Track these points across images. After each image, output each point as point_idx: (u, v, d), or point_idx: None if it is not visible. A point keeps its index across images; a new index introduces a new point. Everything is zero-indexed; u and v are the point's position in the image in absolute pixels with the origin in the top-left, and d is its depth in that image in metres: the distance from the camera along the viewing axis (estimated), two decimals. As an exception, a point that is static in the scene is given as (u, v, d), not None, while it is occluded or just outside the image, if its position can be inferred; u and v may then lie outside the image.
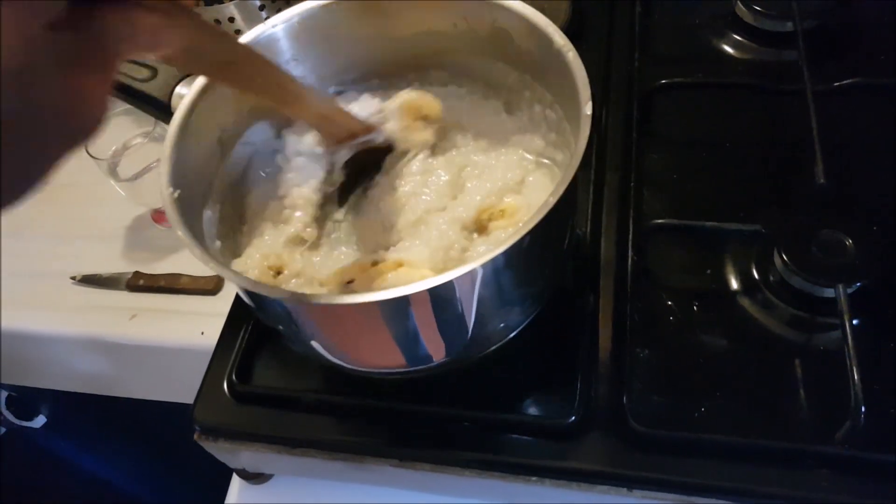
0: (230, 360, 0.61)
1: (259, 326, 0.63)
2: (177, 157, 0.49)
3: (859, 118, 0.68)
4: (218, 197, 0.56)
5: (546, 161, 0.59)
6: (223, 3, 0.86)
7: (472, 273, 0.41)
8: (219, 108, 0.55)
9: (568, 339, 0.58)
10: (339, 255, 0.57)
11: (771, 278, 0.58)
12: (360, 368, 0.54)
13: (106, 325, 0.80)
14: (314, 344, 0.51)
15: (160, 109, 0.54)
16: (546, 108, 0.58)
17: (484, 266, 0.41)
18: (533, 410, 0.56)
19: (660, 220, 0.61)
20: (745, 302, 0.58)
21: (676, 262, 0.62)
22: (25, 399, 1.10)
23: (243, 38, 0.56)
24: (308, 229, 0.56)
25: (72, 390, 0.93)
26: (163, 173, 0.48)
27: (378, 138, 0.56)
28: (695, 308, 0.58)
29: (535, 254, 0.47)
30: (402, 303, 0.42)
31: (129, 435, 1.14)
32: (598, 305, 0.59)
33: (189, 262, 0.83)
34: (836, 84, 0.67)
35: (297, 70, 0.60)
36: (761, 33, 0.75)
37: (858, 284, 0.54)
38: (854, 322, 0.51)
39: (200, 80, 0.53)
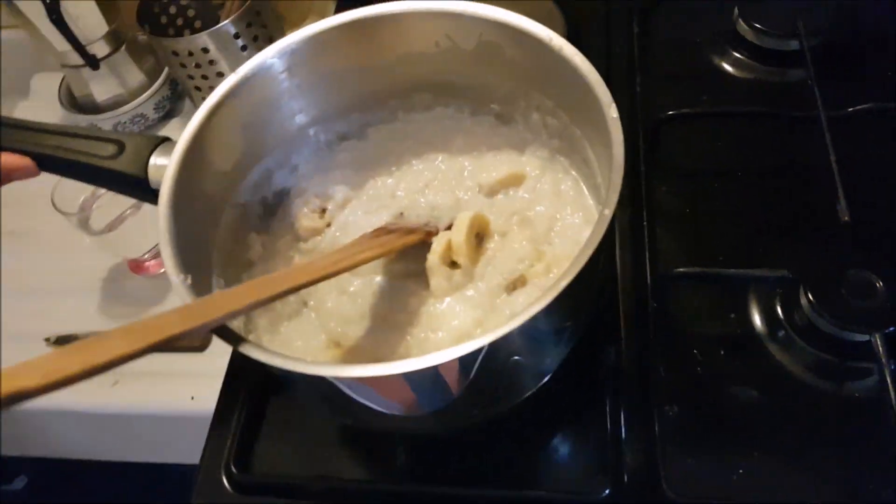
0: (227, 445, 0.57)
1: (256, 401, 0.59)
2: (176, 238, 0.45)
3: (878, 147, 0.64)
4: (220, 266, 0.52)
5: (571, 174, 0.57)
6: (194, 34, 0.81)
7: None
8: (204, 174, 0.51)
9: (591, 399, 0.55)
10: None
11: (799, 322, 0.54)
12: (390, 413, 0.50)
13: (86, 394, 0.74)
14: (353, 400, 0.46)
15: (136, 186, 0.49)
16: (546, 116, 0.56)
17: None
18: (559, 485, 0.53)
19: (681, 269, 0.57)
20: (772, 348, 0.55)
21: (698, 308, 0.58)
22: (5, 460, 1.04)
23: (237, 73, 0.52)
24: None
25: (54, 457, 0.87)
26: (167, 260, 0.43)
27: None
28: (721, 356, 0.56)
29: (571, 305, 0.45)
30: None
31: (116, 496, 1.09)
32: (620, 359, 0.56)
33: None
34: (850, 109, 0.64)
35: (295, 103, 0.57)
36: (764, 52, 0.71)
37: (893, 329, 0.51)
38: (892, 368, 0.49)
39: (181, 147, 0.49)
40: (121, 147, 0.49)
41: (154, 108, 0.94)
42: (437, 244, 0.53)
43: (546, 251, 0.53)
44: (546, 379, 0.52)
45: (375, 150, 0.62)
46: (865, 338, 0.52)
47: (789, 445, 0.51)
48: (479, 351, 0.38)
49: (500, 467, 0.54)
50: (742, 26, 0.72)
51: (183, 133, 0.49)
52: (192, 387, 0.72)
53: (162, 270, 0.78)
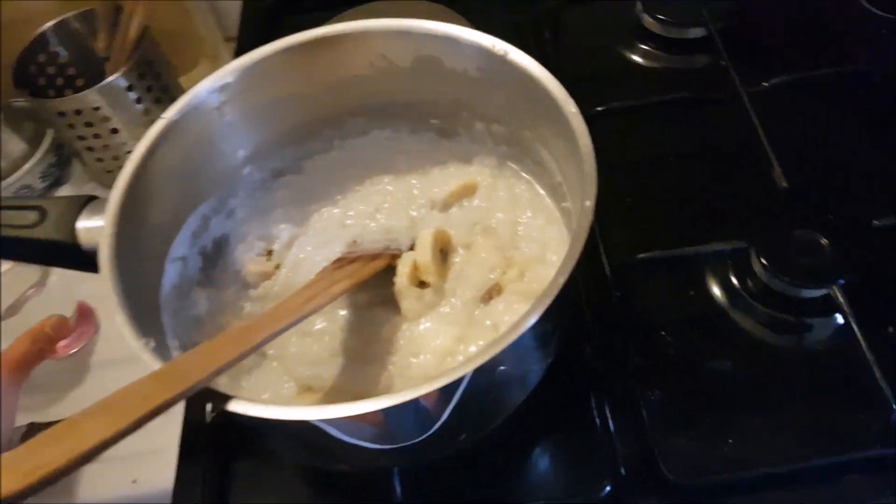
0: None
1: (220, 468, 0.54)
2: (127, 301, 0.40)
3: (799, 114, 0.68)
4: (170, 327, 0.47)
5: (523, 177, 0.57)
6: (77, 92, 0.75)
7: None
8: (140, 230, 0.46)
9: (575, 399, 0.54)
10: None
11: (755, 289, 0.56)
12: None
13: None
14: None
15: (65, 254, 0.43)
16: (492, 123, 0.56)
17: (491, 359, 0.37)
18: (560, 490, 0.52)
19: (642, 255, 0.58)
20: (735, 317, 0.56)
21: (659, 291, 0.60)
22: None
23: (166, 116, 0.49)
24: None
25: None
26: (124, 326, 0.39)
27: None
28: (689, 334, 0.57)
29: (562, 307, 0.45)
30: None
31: None
32: (595, 354, 0.56)
33: (94, 396, 0.70)
34: (765, 84, 0.68)
35: (229, 142, 0.54)
36: (670, 42, 0.75)
37: (841, 281, 0.54)
38: (855, 314, 0.52)
39: (114, 202, 0.44)
40: (42, 213, 0.44)
41: (40, 178, 0.86)
42: (403, 266, 0.51)
43: (515, 256, 0.52)
44: (532, 389, 0.50)
45: (315, 182, 0.59)
46: (820, 292, 0.55)
47: (771, 406, 0.53)
48: (491, 361, 0.37)
49: (496, 485, 0.52)
50: (647, 20, 0.75)
51: (114, 187, 0.45)
52: (131, 469, 0.65)
53: (74, 351, 0.71)
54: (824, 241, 0.55)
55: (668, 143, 0.68)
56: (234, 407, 0.36)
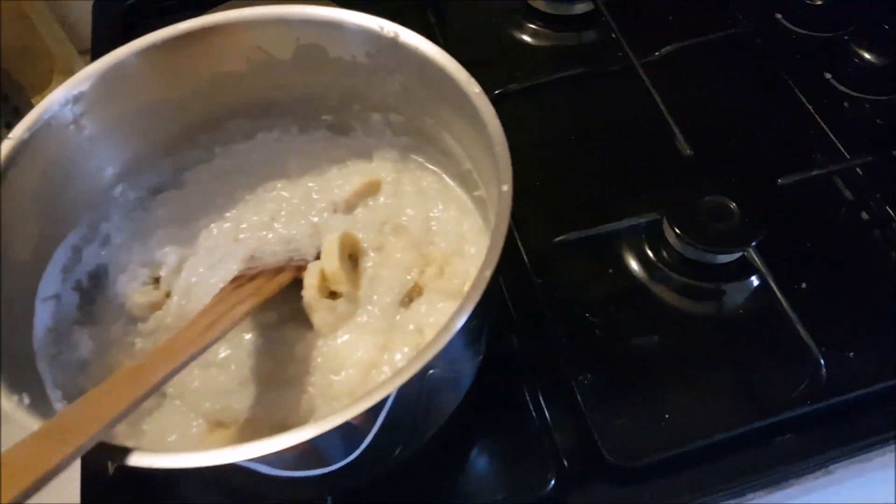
0: None
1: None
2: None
3: (693, 82, 0.68)
4: (50, 376, 0.41)
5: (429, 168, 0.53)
6: None
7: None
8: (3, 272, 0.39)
9: (508, 393, 0.52)
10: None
11: (670, 259, 0.56)
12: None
13: None
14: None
15: None
16: (389, 112, 0.52)
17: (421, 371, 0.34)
18: (505, 490, 0.49)
19: (560, 237, 0.56)
20: (655, 290, 0.56)
21: (578, 273, 0.58)
22: None
23: (12, 136, 0.42)
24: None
25: None
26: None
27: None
28: (613, 312, 0.56)
29: (491, 301, 0.42)
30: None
31: None
32: (522, 344, 0.54)
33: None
34: (657, 54, 0.68)
35: (93, 159, 0.48)
36: (558, 19, 0.74)
37: (754, 243, 0.54)
38: (771, 273, 0.52)
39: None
40: None
41: None
42: (310, 277, 0.47)
43: (431, 252, 0.49)
44: (465, 391, 0.48)
45: (199, 196, 0.54)
46: (734, 256, 0.55)
47: (701, 376, 0.53)
48: (421, 371, 0.33)
49: (438, 494, 0.49)
50: (531, -3, 0.74)
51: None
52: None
53: None
54: (733, 205, 0.55)
55: (570, 121, 0.67)
56: (138, 461, 0.31)
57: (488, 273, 0.35)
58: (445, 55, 0.43)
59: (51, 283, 0.45)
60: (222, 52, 0.48)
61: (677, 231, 0.55)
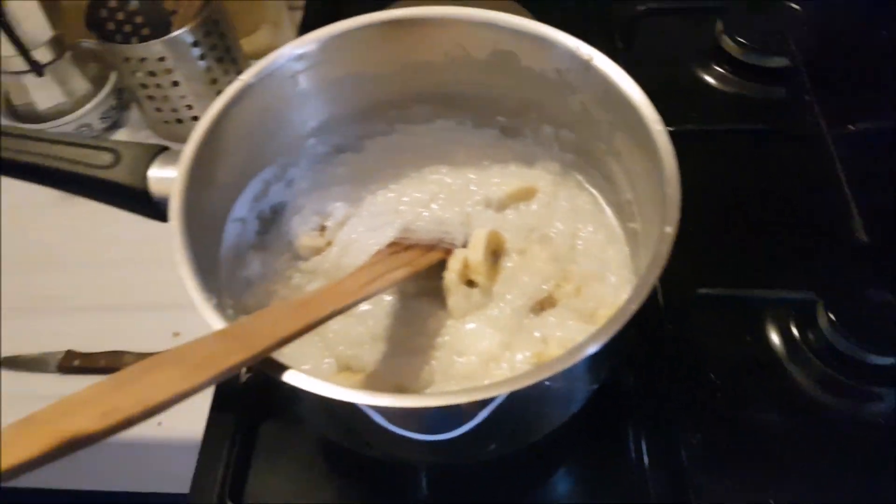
0: (219, 475, 0.53)
1: (248, 429, 0.55)
2: (192, 255, 0.40)
3: (887, 166, 0.63)
4: (225, 287, 0.47)
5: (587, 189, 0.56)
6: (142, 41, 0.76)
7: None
8: (208, 186, 0.46)
9: (612, 427, 0.53)
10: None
11: (817, 344, 0.54)
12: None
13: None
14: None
15: (133, 199, 0.44)
16: (561, 128, 0.55)
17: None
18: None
19: (704, 290, 0.56)
20: (791, 370, 0.54)
21: (713, 329, 0.57)
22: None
23: (245, 76, 0.48)
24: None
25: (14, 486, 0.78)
26: (188, 280, 0.39)
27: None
28: (739, 379, 0.55)
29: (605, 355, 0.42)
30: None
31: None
32: (639, 385, 0.54)
33: (132, 335, 0.71)
34: (852, 127, 0.65)
35: (299, 112, 0.54)
36: (748, 67, 0.72)
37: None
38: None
39: (188, 156, 0.44)
40: (117, 156, 0.44)
41: (100, 118, 0.87)
42: (454, 262, 0.51)
43: (573, 270, 0.51)
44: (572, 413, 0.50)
45: (373, 164, 0.59)
46: (889, 361, 0.52)
47: (817, 468, 0.51)
48: (537, 384, 0.36)
49: (523, 497, 0.52)
50: (726, 41, 0.73)
51: (188, 141, 0.45)
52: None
53: None
54: (901, 303, 0.52)
55: (739, 174, 0.66)
56: (296, 380, 0.36)
57: (633, 307, 0.37)
58: (636, 87, 0.45)
59: (242, 207, 0.52)
60: (427, 42, 0.53)
61: (833, 319, 0.52)
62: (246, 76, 0.48)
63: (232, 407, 0.56)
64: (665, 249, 0.38)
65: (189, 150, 0.44)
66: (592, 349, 0.35)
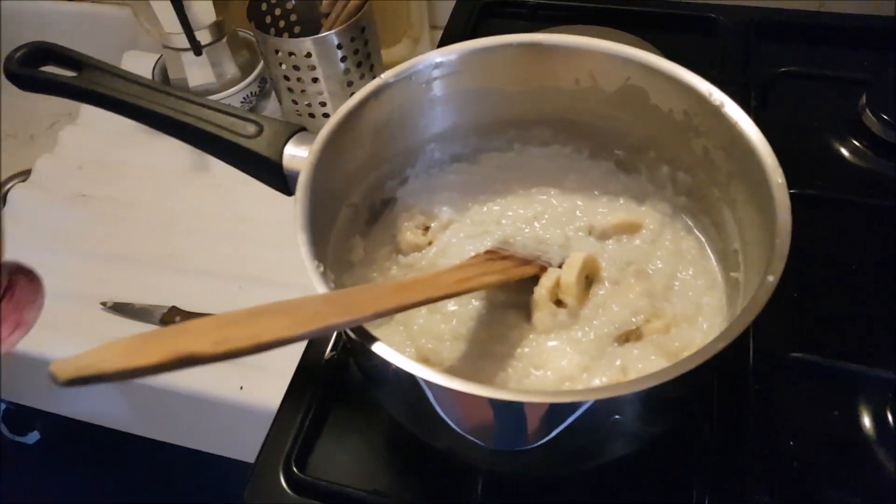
0: (289, 440, 0.55)
1: (322, 404, 0.57)
2: (310, 225, 0.44)
3: None
4: (330, 263, 0.50)
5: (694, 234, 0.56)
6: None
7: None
8: (333, 170, 0.49)
9: (678, 474, 0.52)
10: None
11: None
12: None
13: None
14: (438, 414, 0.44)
15: (270, 170, 0.48)
16: (679, 171, 0.55)
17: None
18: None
19: (796, 354, 0.54)
20: (880, 454, 0.51)
21: (800, 398, 0.55)
22: (22, 413, 1.02)
23: (386, 75, 0.52)
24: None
25: (86, 420, 0.85)
26: (303, 246, 0.42)
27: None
28: (820, 454, 0.52)
29: (689, 385, 0.42)
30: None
31: (128, 468, 1.07)
32: (713, 438, 0.53)
33: (234, 303, 0.76)
34: None
35: (426, 117, 0.57)
36: (886, 145, 0.69)
37: None
38: None
39: (322, 139, 0.48)
40: (260, 128, 0.48)
41: (241, 102, 0.94)
42: (546, 279, 0.52)
43: (665, 309, 0.51)
44: (635, 449, 0.49)
45: (485, 177, 0.61)
46: None
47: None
48: (604, 400, 0.37)
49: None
50: (868, 115, 0.71)
51: (325, 126, 0.48)
52: (243, 377, 0.69)
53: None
54: None
55: (856, 247, 0.63)
56: (378, 349, 0.38)
57: (720, 346, 0.36)
58: (762, 137, 0.45)
59: (357, 194, 0.55)
60: (560, 68, 0.54)
61: None
62: (386, 75, 0.52)
63: (311, 383, 0.59)
64: (763, 297, 0.38)
65: (324, 133, 0.48)
66: (672, 375, 0.36)
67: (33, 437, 1.05)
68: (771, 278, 0.38)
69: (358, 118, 0.50)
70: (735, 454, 0.52)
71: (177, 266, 0.81)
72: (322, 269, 0.41)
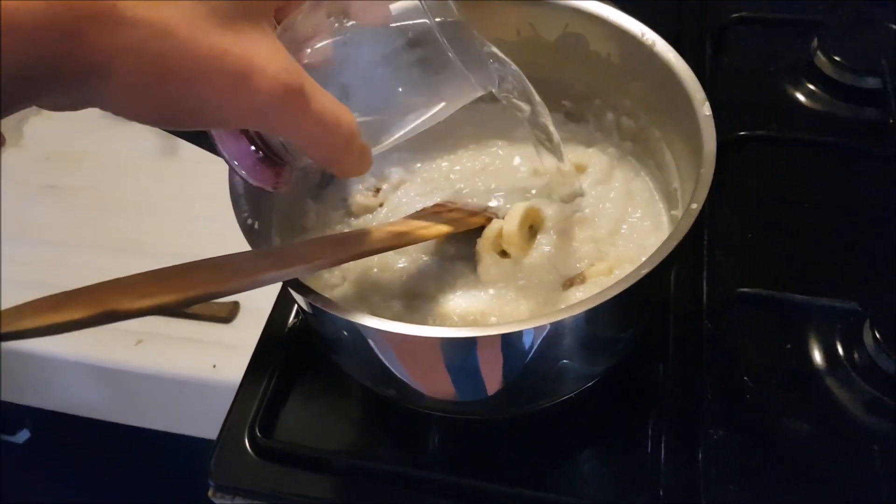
0: (253, 408, 0.55)
1: (285, 372, 0.58)
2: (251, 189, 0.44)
3: None
4: (277, 226, 0.51)
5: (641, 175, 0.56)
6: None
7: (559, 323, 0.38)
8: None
9: (633, 412, 0.53)
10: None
11: (859, 361, 0.51)
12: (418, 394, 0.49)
13: (108, 350, 0.73)
14: (383, 365, 0.45)
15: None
16: (622, 116, 0.56)
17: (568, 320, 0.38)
18: (591, 493, 0.51)
19: (744, 290, 0.55)
20: (829, 383, 0.52)
21: (753, 333, 0.56)
22: (10, 412, 1.03)
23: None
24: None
25: (67, 412, 0.86)
26: (234, 201, 0.42)
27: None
28: (774, 386, 0.53)
29: (625, 313, 0.44)
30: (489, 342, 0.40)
31: (119, 462, 1.08)
32: (667, 376, 0.54)
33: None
34: None
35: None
36: (841, 87, 0.69)
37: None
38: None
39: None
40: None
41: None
42: (489, 230, 0.52)
43: (609, 252, 0.51)
44: (589, 384, 0.50)
45: (434, 135, 0.59)
46: None
47: (845, 488, 0.49)
48: (539, 329, 0.37)
49: (531, 466, 0.52)
50: (820, 59, 0.70)
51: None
52: (216, 356, 0.70)
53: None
54: (952, 325, 0.50)
55: (807, 184, 0.64)
56: (322, 304, 0.39)
57: (645, 271, 0.37)
58: (690, 72, 0.46)
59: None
60: (499, 19, 0.54)
61: (877, 335, 0.50)
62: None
63: (274, 350, 0.60)
64: (687, 223, 0.38)
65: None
66: (611, 294, 0.37)
67: (23, 435, 1.06)
68: (694, 205, 0.39)
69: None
70: (690, 390, 0.53)
71: (151, 251, 0.82)
72: (255, 224, 0.41)
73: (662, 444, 0.50)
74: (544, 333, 0.38)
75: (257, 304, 0.63)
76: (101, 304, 0.31)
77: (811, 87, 0.71)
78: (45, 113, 1.01)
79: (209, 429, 0.77)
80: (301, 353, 0.59)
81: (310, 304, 0.39)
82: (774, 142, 0.66)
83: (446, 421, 0.54)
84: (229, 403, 0.63)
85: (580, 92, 0.57)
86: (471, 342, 0.38)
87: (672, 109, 0.48)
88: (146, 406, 0.79)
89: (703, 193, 0.40)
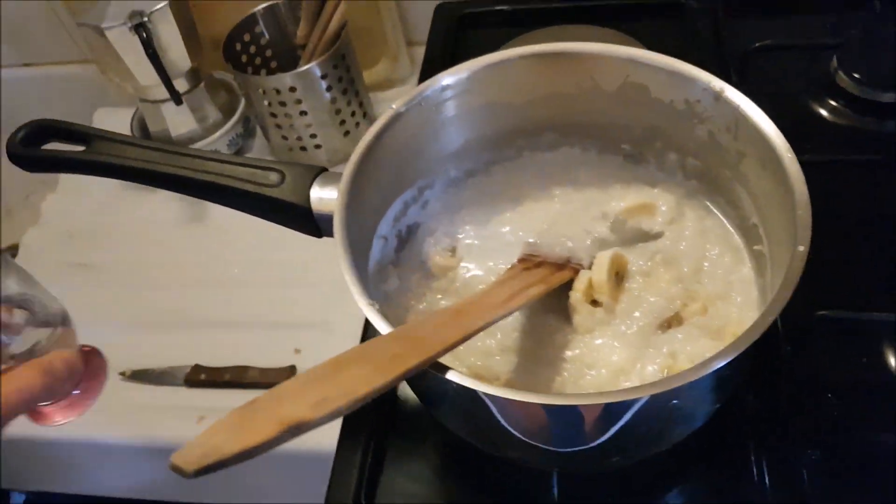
0: (353, 481, 0.56)
1: (379, 437, 0.58)
2: (355, 267, 0.44)
3: None
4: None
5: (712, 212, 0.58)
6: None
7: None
8: (361, 205, 0.50)
9: (733, 447, 0.55)
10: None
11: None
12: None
13: (169, 428, 0.72)
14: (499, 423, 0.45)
15: (299, 216, 0.48)
16: (687, 157, 0.57)
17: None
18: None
19: (820, 312, 0.57)
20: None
21: (831, 352, 0.58)
22: (44, 499, 0.99)
23: (401, 102, 0.53)
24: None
25: (126, 497, 0.83)
26: (353, 287, 0.43)
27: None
28: (857, 401, 0.55)
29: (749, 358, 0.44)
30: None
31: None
32: (758, 404, 0.55)
33: (256, 351, 0.76)
34: None
35: (441, 138, 0.58)
36: (862, 102, 0.73)
37: None
38: None
39: (347, 177, 0.49)
40: (282, 175, 0.49)
41: (227, 145, 0.94)
42: (579, 282, 0.53)
43: (698, 291, 0.53)
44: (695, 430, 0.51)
45: (499, 186, 0.62)
46: None
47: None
48: (670, 392, 0.38)
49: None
50: (840, 76, 0.74)
51: (348, 164, 0.49)
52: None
53: (65, 421, 0.57)
54: None
55: (853, 203, 0.67)
56: (458, 378, 0.39)
57: (768, 320, 0.39)
58: (765, 117, 0.47)
59: (385, 225, 0.56)
60: (562, 74, 0.56)
61: None
62: (397, 105, 0.53)
63: (361, 419, 0.60)
64: (799, 266, 0.40)
65: (348, 171, 0.49)
66: (726, 359, 0.38)
67: (18, 498, 1.02)
68: (801, 248, 0.41)
69: (375, 151, 0.51)
70: (781, 417, 0.55)
71: (189, 322, 0.80)
72: (377, 306, 0.42)
73: (766, 472, 0.52)
74: (684, 387, 0.39)
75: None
76: (285, 420, 0.30)
77: (835, 104, 0.75)
78: (61, 188, 1.00)
79: (292, 497, 0.76)
80: (389, 415, 0.60)
81: (444, 380, 0.39)
82: (814, 164, 0.68)
83: (558, 475, 0.55)
84: (304, 469, 0.63)
85: (640, 135, 0.58)
86: (625, 405, 0.39)
87: (746, 151, 0.49)
88: (219, 482, 0.77)
89: (806, 235, 0.41)
